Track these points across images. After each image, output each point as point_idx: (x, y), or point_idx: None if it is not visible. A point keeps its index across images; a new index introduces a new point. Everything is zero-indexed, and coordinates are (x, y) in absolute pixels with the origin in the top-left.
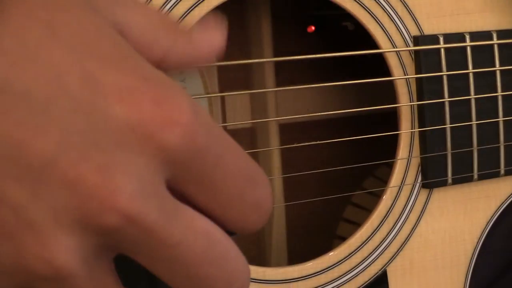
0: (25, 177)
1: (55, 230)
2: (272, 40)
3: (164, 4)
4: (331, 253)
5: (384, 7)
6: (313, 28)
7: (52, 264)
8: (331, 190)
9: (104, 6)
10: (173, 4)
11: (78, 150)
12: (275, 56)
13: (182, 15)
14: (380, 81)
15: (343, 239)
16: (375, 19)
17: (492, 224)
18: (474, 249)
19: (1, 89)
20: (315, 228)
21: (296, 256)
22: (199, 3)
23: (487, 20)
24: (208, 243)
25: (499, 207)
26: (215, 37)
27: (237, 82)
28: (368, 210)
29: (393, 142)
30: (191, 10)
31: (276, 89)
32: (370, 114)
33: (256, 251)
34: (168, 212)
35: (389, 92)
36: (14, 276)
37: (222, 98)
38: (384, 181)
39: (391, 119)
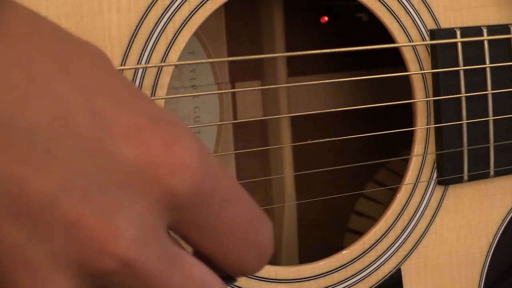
0: (24, 216)
1: (52, 271)
2: (284, 30)
3: None
4: (344, 251)
5: (401, 0)
6: (326, 18)
7: None
8: (343, 182)
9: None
10: None
11: (81, 191)
12: (287, 46)
13: (195, 8)
14: (395, 76)
15: (354, 232)
16: (391, 12)
17: (508, 221)
18: (490, 246)
19: (5, 124)
20: (326, 221)
21: (307, 250)
22: None
23: (504, 14)
24: None
25: None
26: None
27: (248, 73)
28: (380, 203)
29: (408, 134)
30: (204, 3)
31: (287, 85)
32: (385, 107)
33: None
34: (168, 259)
35: (404, 85)
36: None
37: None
38: (396, 173)
39: (407, 112)
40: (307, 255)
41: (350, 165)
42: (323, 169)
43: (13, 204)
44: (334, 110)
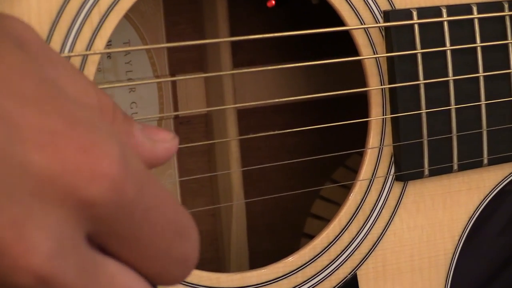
0: None
1: None
2: (228, 16)
3: None
4: (292, 257)
5: None
6: (273, 2)
7: None
8: (298, 182)
9: (42, 62)
10: None
11: None
12: (232, 34)
13: None
14: (345, 61)
15: (311, 237)
16: None
17: (476, 220)
18: (455, 247)
19: None
20: (280, 226)
21: (259, 258)
22: None
23: None
24: None
25: (482, 200)
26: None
27: (190, 64)
28: (338, 204)
29: (366, 127)
30: None
31: (233, 71)
32: (339, 97)
33: (213, 252)
34: (88, 271)
35: (359, 73)
36: None
37: (173, 82)
38: (356, 171)
39: (364, 102)
40: (259, 263)
41: (301, 159)
42: (273, 164)
43: None
44: (282, 100)
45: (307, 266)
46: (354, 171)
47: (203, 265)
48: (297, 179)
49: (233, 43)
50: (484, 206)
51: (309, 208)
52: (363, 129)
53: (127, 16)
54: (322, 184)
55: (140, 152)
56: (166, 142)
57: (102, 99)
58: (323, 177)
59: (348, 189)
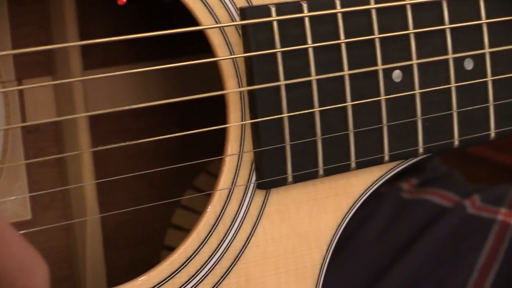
0: None
1: None
2: (77, 15)
3: None
4: (147, 275)
5: None
6: (124, 0)
7: None
8: (157, 190)
9: None
10: None
11: None
12: (82, 33)
13: None
14: (199, 63)
15: (172, 249)
16: None
17: (346, 227)
18: (324, 258)
19: None
20: (139, 238)
21: (117, 273)
22: None
23: None
24: None
25: (351, 206)
26: None
27: (37, 67)
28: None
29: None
30: None
31: (81, 78)
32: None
33: (68, 269)
34: None
35: (218, 75)
36: None
37: (20, 90)
38: None
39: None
40: (117, 279)
41: (159, 169)
42: (129, 175)
43: None
44: (134, 106)
45: (164, 284)
46: (216, 177)
47: (57, 283)
48: (156, 187)
49: (83, 45)
50: (354, 212)
51: (170, 219)
52: (224, 133)
53: None
54: (183, 192)
55: None
56: None
57: None
58: (185, 184)
59: (209, 196)
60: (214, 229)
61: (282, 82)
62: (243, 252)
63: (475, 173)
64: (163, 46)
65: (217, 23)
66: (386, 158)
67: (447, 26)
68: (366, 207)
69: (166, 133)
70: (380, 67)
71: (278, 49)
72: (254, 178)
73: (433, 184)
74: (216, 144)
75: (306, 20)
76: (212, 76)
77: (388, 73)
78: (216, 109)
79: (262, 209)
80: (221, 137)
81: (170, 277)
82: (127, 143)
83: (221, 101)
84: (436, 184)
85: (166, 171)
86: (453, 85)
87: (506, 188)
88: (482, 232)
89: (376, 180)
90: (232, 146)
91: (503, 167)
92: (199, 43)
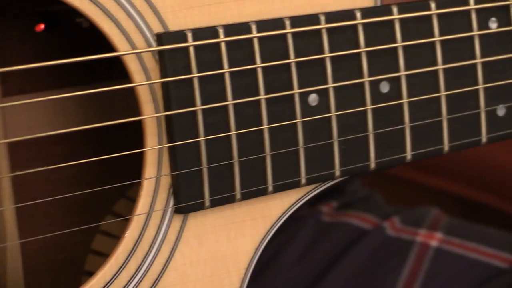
0: None
1: None
2: None
3: None
4: None
5: (119, 1)
6: (42, 26)
7: None
8: (77, 216)
9: None
10: None
11: None
12: (0, 60)
13: None
14: (115, 89)
15: (92, 275)
16: (109, 16)
17: (264, 250)
18: (242, 282)
19: None
20: (60, 264)
21: None
22: None
23: (245, 10)
24: None
25: (269, 230)
26: None
27: None
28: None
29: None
30: None
31: (1, 105)
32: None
33: None
34: None
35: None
36: None
37: None
38: None
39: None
40: None
41: (77, 193)
42: (48, 199)
43: None
44: (51, 133)
45: None
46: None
47: None
48: (76, 213)
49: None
50: (274, 236)
51: (90, 244)
52: (142, 159)
53: None
54: (103, 217)
55: None
56: None
57: None
58: (104, 210)
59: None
60: (132, 254)
61: (199, 107)
62: (161, 276)
63: (396, 194)
64: (82, 72)
65: (133, 49)
66: (303, 181)
67: (362, 49)
68: (286, 231)
69: (86, 159)
70: (296, 91)
71: (195, 74)
72: (172, 202)
73: (353, 206)
74: (136, 170)
75: (223, 45)
76: (132, 101)
77: (304, 97)
78: (137, 135)
79: (180, 233)
80: (137, 163)
81: None
82: (45, 168)
83: (138, 127)
84: (356, 206)
85: (85, 197)
86: (368, 107)
87: (425, 210)
88: (401, 254)
89: (294, 203)
90: (149, 170)
91: (423, 187)
92: (119, 69)
